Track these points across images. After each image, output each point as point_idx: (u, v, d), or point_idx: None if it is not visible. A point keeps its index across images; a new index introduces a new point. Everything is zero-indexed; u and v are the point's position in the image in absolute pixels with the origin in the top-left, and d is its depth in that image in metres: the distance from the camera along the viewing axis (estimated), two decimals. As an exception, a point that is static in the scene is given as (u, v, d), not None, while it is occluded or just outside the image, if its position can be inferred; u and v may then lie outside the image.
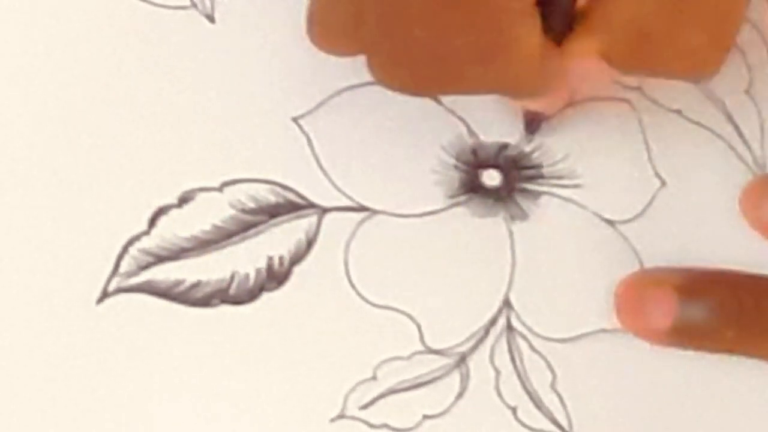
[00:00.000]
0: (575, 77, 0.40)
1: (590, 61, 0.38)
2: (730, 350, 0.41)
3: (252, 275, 0.41)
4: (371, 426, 0.40)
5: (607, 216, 0.42)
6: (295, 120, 0.42)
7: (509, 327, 0.41)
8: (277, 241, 0.41)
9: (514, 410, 0.40)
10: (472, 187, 0.42)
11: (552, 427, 0.40)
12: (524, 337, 0.41)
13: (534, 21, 0.37)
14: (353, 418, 0.40)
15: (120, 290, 0.41)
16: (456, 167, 0.42)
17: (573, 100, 0.42)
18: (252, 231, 0.41)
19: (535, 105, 0.41)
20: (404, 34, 0.37)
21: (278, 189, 0.42)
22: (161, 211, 0.41)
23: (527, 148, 0.42)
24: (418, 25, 0.36)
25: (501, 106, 0.42)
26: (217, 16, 0.43)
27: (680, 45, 0.37)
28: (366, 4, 0.37)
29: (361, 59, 0.38)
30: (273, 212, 0.41)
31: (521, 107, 0.42)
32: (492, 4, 0.36)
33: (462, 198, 0.42)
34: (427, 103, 0.43)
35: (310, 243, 0.41)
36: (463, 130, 0.43)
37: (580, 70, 0.40)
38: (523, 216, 0.42)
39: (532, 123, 0.42)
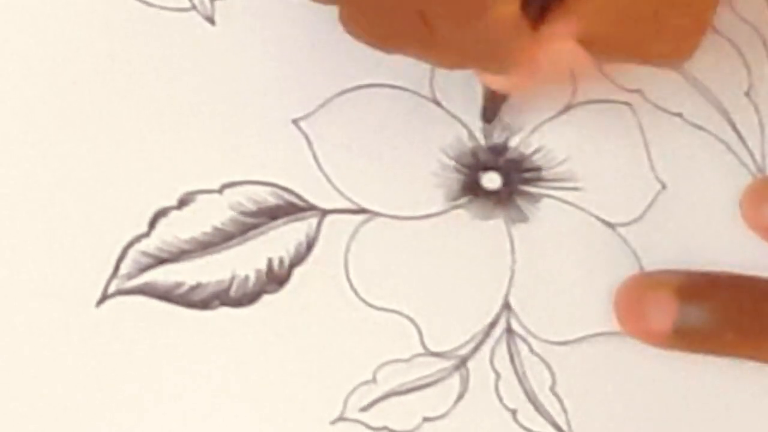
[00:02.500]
0: (547, 60, 0.39)
1: (563, 44, 0.37)
2: (730, 353, 0.41)
3: (252, 277, 0.41)
4: (371, 428, 0.40)
5: (607, 219, 0.42)
6: (295, 122, 0.42)
7: (509, 330, 0.41)
8: (277, 243, 0.41)
9: (513, 413, 0.40)
10: (472, 189, 0.42)
11: (551, 429, 0.40)
12: (524, 340, 0.41)
13: None
14: (353, 420, 0.40)
15: (120, 292, 0.41)
16: (456, 170, 0.42)
17: (537, 83, 0.41)
18: (252, 233, 0.41)
19: (499, 83, 0.40)
20: None
21: (278, 191, 0.42)
22: (161, 213, 0.41)
23: (527, 151, 0.43)
24: None
25: (502, 108, 0.42)
26: (217, 18, 0.43)
27: (660, 28, 0.37)
28: None
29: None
30: (273, 214, 0.41)
31: (484, 86, 0.41)
32: None
33: (462, 200, 0.42)
34: (427, 105, 0.43)
35: (310, 245, 0.41)
36: (463, 132, 0.43)
37: (552, 53, 0.39)
38: (523, 219, 0.42)
39: (492, 107, 0.42)
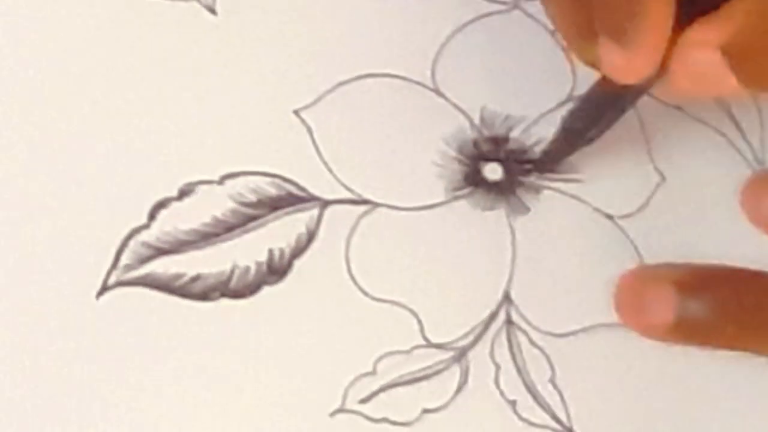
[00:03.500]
0: (680, 64, 0.37)
1: (705, 54, 0.36)
2: (730, 346, 0.41)
3: (252, 268, 0.41)
4: (371, 420, 0.40)
5: (608, 211, 0.42)
6: (296, 112, 0.42)
7: (509, 321, 0.41)
8: (277, 234, 0.41)
9: (513, 404, 0.40)
10: (473, 180, 0.42)
11: (551, 421, 0.40)
12: (524, 332, 0.41)
13: None
14: (353, 411, 0.40)
15: (120, 283, 0.40)
16: (457, 160, 0.42)
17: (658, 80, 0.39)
18: (252, 224, 0.41)
19: (619, 63, 0.37)
20: None
21: (279, 182, 0.41)
22: (161, 204, 0.41)
23: (528, 142, 0.42)
24: None
25: (503, 99, 0.42)
26: (218, 8, 0.43)
27: None
28: None
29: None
30: (274, 205, 0.41)
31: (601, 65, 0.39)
32: None
33: (463, 191, 0.42)
34: (429, 95, 0.43)
35: (310, 236, 0.41)
36: (465, 122, 0.42)
37: (690, 60, 0.37)
38: (524, 210, 0.42)
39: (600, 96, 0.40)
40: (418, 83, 0.43)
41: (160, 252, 0.41)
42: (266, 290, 0.41)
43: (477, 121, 0.43)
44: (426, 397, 0.40)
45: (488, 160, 0.42)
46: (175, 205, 0.41)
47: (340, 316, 0.41)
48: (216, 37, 0.42)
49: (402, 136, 0.42)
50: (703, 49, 0.36)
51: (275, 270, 0.41)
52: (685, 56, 0.37)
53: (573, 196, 0.42)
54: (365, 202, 0.42)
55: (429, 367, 0.40)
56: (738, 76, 0.36)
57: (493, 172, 0.42)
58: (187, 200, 0.41)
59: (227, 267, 0.41)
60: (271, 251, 0.41)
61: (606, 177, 0.42)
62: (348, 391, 0.40)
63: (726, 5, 0.36)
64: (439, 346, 0.41)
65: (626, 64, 0.37)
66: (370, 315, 0.41)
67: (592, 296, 0.41)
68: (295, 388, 0.40)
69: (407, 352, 0.41)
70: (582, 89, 0.43)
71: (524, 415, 0.40)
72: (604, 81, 0.39)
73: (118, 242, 0.40)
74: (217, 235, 0.41)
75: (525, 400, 0.40)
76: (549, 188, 0.42)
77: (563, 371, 0.41)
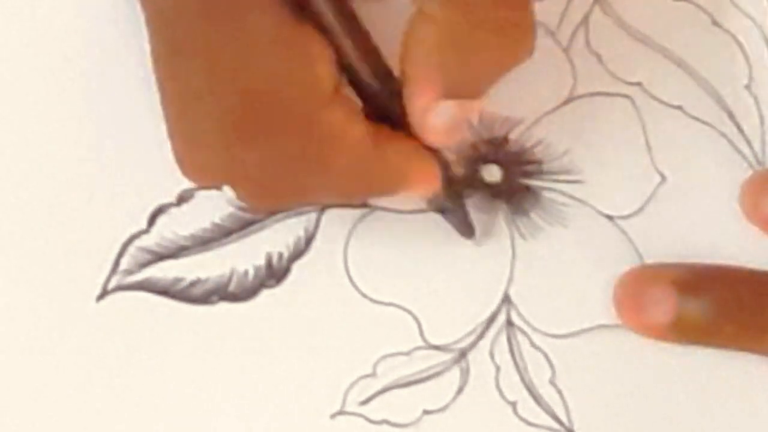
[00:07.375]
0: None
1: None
2: (730, 345, 0.41)
3: (251, 272, 0.41)
4: (371, 422, 0.40)
5: (607, 211, 0.42)
6: (294, 117, 0.42)
7: (509, 322, 0.41)
8: (276, 237, 0.41)
9: (513, 405, 0.41)
10: (472, 182, 0.42)
11: (551, 422, 0.40)
12: (524, 333, 0.41)
13: (349, 111, 0.37)
14: (353, 413, 0.40)
15: (120, 288, 0.41)
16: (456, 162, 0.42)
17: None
18: (251, 228, 0.41)
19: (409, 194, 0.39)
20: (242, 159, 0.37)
21: (277, 186, 0.42)
22: (161, 210, 0.41)
23: (528, 144, 0.42)
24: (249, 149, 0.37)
25: (503, 100, 0.42)
26: (216, 13, 0.43)
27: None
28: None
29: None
30: (272, 209, 0.42)
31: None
32: (298, 110, 0.36)
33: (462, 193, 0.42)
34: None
35: (309, 239, 0.41)
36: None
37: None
38: (524, 211, 0.42)
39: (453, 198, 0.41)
40: (416, 86, 0.43)
41: (159, 257, 0.41)
42: (265, 294, 0.41)
43: (476, 122, 0.43)
44: (426, 398, 0.40)
45: (487, 162, 0.42)
46: (174, 210, 0.41)
47: (339, 318, 0.41)
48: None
49: (400, 139, 0.42)
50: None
51: (274, 273, 0.41)
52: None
53: (573, 197, 0.42)
54: (363, 204, 0.42)
55: (429, 368, 0.41)
56: None
57: (492, 174, 0.42)
58: (186, 205, 0.41)
59: (226, 271, 0.41)
60: (269, 255, 0.41)
61: (606, 177, 0.42)
62: (348, 393, 0.40)
63: None
64: (438, 348, 0.41)
65: None
66: (369, 317, 0.41)
67: (592, 296, 0.41)
68: (295, 390, 0.40)
69: (407, 353, 0.41)
70: (582, 89, 0.43)
71: (524, 415, 0.40)
72: None
73: (117, 247, 0.41)
74: (216, 239, 0.41)
75: (525, 401, 0.41)
76: (549, 189, 0.42)
77: (563, 372, 0.41)
